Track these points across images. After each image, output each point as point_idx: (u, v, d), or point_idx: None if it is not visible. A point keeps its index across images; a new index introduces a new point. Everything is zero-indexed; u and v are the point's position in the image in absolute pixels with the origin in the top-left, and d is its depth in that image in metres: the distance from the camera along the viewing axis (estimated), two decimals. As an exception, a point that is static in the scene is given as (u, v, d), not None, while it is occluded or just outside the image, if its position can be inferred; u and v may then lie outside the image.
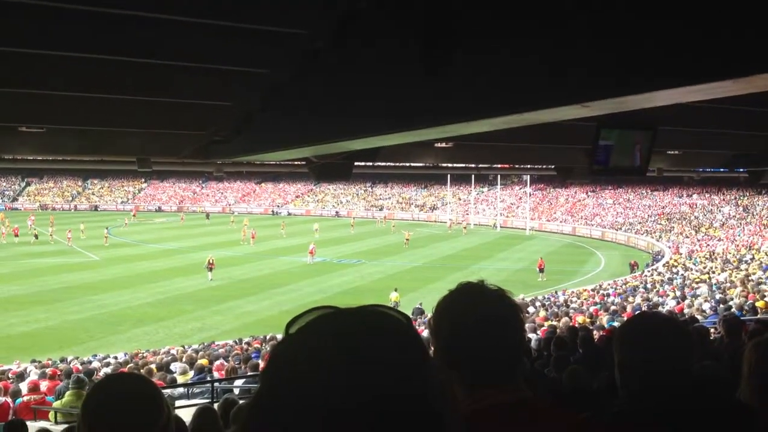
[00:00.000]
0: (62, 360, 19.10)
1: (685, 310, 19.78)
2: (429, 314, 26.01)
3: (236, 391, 13.13)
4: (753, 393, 2.50)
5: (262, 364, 14.39)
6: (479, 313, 1.79)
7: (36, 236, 53.75)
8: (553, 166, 13.31)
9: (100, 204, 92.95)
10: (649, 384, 2.14)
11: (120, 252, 48.78)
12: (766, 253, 42.16)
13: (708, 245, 50.83)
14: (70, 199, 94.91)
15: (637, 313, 3.45)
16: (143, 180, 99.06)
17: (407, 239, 54.38)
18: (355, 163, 8.34)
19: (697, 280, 31.68)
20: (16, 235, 53.85)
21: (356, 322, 0.95)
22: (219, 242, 54.06)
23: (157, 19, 4.13)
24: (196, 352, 18.95)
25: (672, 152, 11.14)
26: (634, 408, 2.17)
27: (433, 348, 1.86)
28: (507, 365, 1.82)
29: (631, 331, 2.30)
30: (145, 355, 19.76)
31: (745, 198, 64.25)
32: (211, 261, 37.78)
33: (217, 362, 16.35)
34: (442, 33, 3.52)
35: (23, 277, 37.43)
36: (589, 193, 77.47)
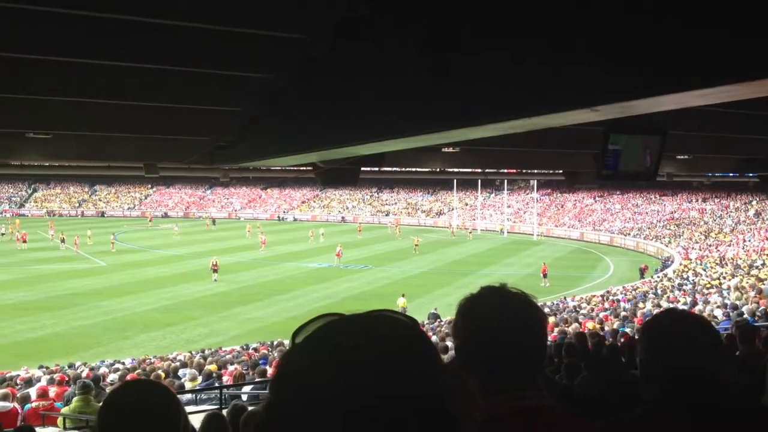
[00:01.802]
0: (70, 366, 19.13)
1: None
2: (444, 319, 25.95)
3: (244, 397, 13.10)
4: None
5: (270, 370, 14.36)
6: (501, 315, 1.77)
7: (63, 240, 54.48)
8: (560, 171, 13.28)
9: (107, 210, 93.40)
10: (675, 385, 2.03)
11: (127, 258, 48.98)
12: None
13: (718, 250, 50.62)
14: (77, 205, 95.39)
15: (663, 309, 3.18)
16: (149, 186, 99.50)
17: (416, 245, 54.47)
18: (362, 169, 8.31)
19: (708, 285, 31.53)
20: (24, 241, 54.19)
21: (363, 327, 0.94)
22: (225, 248, 54.13)
23: (159, 24, 4.12)
24: (204, 358, 18.94)
25: (681, 157, 11.08)
26: (659, 410, 2.09)
27: (454, 349, 1.84)
28: (528, 369, 1.79)
29: (656, 329, 2.14)
30: (152, 361, 19.77)
31: (755, 202, 64.00)
32: (215, 263, 39.99)
33: (231, 367, 16.31)
34: (445, 36, 3.49)
35: (30, 284, 37.61)
36: (597, 198, 77.31)
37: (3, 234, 57.34)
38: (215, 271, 39.59)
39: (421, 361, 0.91)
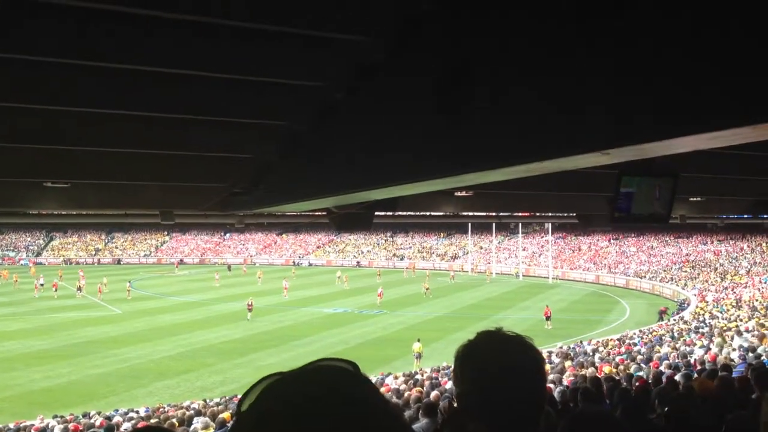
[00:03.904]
0: (84, 415, 19.03)
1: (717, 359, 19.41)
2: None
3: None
4: None
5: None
6: (498, 360, 1.76)
7: (79, 288, 54.59)
8: (574, 214, 13.28)
9: (123, 257, 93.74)
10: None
11: (142, 305, 48.99)
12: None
13: (734, 292, 50.09)
14: (94, 253, 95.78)
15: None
16: (166, 233, 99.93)
17: (426, 288, 54.59)
18: (376, 213, 8.35)
19: (724, 328, 31.15)
20: (55, 289, 54.42)
21: (302, 383, 0.94)
22: (240, 293, 53.96)
23: (176, 74, 4.20)
24: (218, 405, 18.78)
25: (694, 199, 11.06)
26: None
27: (455, 396, 1.82)
28: (528, 414, 1.77)
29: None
30: (167, 409, 19.63)
31: (770, 244, 63.56)
32: (250, 303, 42.81)
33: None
34: (460, 81, 3.54)
35: (46, 332, 37.65)
36: (612, 241, 76.92)
37: (42, 285, 56.50)
38: (250, 310, 42.17)
39: (365, 403, 0.92)
